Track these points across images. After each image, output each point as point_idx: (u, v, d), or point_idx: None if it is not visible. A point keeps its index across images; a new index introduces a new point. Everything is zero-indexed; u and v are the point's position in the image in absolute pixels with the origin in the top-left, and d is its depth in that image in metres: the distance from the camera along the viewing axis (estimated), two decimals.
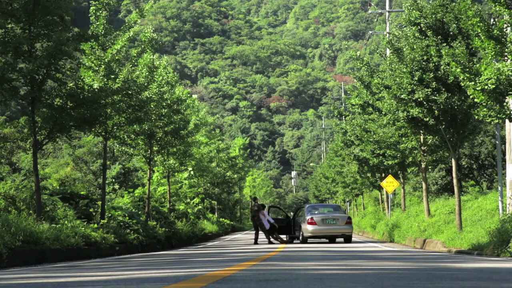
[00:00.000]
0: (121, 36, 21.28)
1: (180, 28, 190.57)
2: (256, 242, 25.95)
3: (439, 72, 19.83)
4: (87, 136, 38.15)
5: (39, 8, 16.33)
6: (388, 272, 8.53)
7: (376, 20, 48.47)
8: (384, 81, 25.15)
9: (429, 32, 19.96)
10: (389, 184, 30.76)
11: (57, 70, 16.92)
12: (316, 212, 27.20)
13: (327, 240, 28.30)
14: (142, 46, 22.65)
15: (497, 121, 15.23)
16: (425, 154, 24.89)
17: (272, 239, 26.31)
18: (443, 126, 20.27)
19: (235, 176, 54.87)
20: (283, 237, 29.97)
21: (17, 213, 16.95)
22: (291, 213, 62.85)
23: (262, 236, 29.53)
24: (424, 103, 20.05)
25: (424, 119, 20.21)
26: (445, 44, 19.39)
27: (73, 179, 38.15)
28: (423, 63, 19.97)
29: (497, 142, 21.57)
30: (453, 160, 20.74)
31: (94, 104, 18.06)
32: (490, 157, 32.85)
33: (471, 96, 15.29)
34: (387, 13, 42.05)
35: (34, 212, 17.23)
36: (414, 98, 20.12)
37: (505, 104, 15.14)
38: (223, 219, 52.74)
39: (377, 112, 29.31)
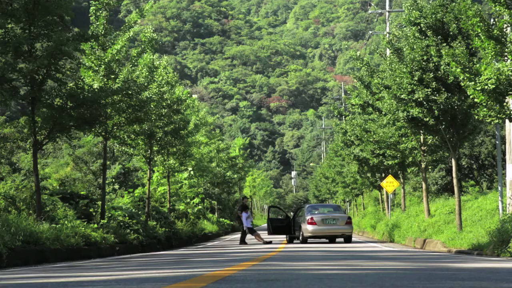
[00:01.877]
0: (121, 36, 21.28)
1: (180, 28, 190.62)
2: (243, 242, 25.97)
3: (439, 72, 19.82)
4: (87, 136, 38.14)
5: (39, 8, 16.33)
6: (388, 272, 8.53)
7: (376, 20, 48.44)
8: (384, 81, 25.14)
9: (429, 32, 19.94)
10: (389, 184, 30.75)
11: (57, 70, 16.93)
12: (316, 212, 27.18)
13: (327, 240, 28.29)
14: (142, 46, 22.65)
15: (497, 121, 15.22)
16: (425, 154, 24.88)
17: (243, 242, 26.10)
18: (443, 126, 20.26)
19: (235, 176, 54.83)
20: (281, 237, 29.88)
21: (17, 213, 16.94)
22: (291, 213, 62.85)
23: (253, 239, 29.51)
24: (424, 103, 20.04)
25: (424, 119, 20.19)
26: (445, 44, 19.37)
27: (73, 179, 38.13)
28: (423, 63, 19.95)
29: (497, 142, 21.55)
30: (453, 160, 20.73)
31: (94, 104, 18.07)
32: (490, 157, 32.84)
33: (471, 96, 15.29)
34: (387, 13, 42.02)
35: (34, 212, 17.23)
36: (414, 98, 20.11)
37: (505, 104, 15.14)
38: (223, 219, 52.69)
39: (377, 112, 29.30)
